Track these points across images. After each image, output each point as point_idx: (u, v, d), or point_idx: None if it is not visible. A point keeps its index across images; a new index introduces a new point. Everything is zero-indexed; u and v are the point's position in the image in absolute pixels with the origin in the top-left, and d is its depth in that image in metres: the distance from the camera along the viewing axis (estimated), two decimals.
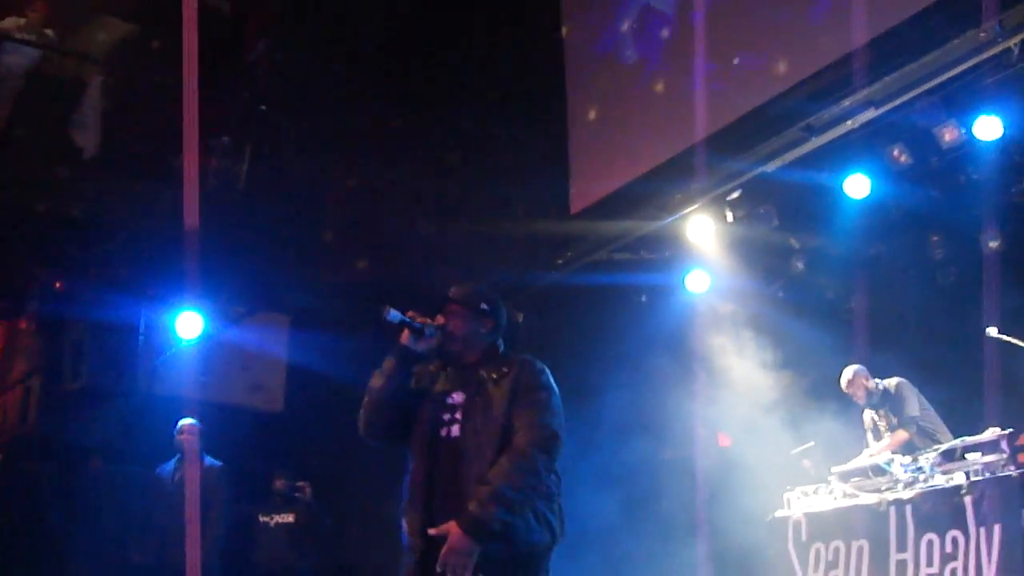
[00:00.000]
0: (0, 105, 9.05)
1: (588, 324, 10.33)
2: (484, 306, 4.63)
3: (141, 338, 10.08)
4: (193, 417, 8.26)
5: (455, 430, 4.43)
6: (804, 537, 7.76)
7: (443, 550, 4.18)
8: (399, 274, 10.10)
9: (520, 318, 10.57)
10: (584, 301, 10.25)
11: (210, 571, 8.14)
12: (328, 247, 10.10)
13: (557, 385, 4.49)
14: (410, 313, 4.49)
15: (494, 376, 4.46)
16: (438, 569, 4.17)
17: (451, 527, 4.19)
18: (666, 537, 9.21)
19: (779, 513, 8.02)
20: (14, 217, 9.59)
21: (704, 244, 9.37)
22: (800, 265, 9.60)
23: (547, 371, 4.51)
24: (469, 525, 4.16)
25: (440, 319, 4.56)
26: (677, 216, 9.12)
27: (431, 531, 4.26)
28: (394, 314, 4.41)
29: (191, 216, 6.06)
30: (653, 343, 9.43)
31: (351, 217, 9.95)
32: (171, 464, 8.47)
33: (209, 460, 8.34)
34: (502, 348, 4.64)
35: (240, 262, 9.48)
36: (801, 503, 7.91)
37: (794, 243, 9.54)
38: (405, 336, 4.49)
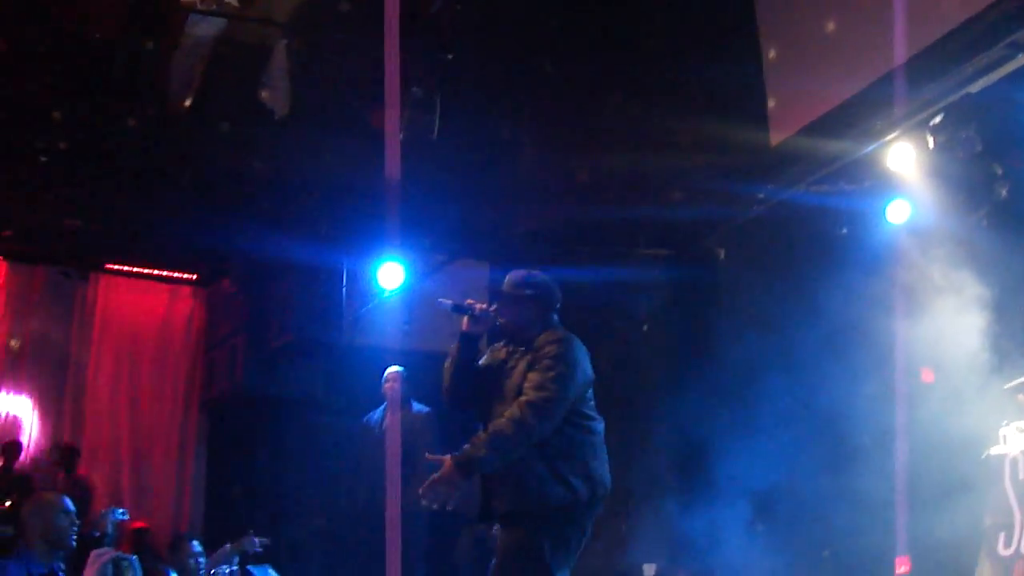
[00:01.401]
0: (192, 74, 9.30)
1: (787, 257, 10.20)
2: (528, 291, 5.24)
3: (344, 291, 10.31)
4: (398, 366, 8.42)
5: (495, 398, 5.09)
6: (1022, 475, 7.48)
7: (432, 478, 4.81)
8: (595, 214, 10.13)
9: (722, 254, 10.51)
10: (784, 234, 10.12)
11: (417, 516, 8.33)
12: (524, 191, 10.15)
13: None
14: (468, 301, 5.22)
15: (522, 349, 5.11)
16: (419, 492, 4.82)
17: (445, 459, 4.84)
18: (869, 473, 9.04)
19: (994, 450, 7.75)
20: (211, 180, 9.90)
21: (905, 172, 9.09)
22: (1004, 192, 9.23)
23: (568, 342, 5.05)
24: (459, 458, 4.79)
25: (489, 305, 5.23)
26: (878, 144, 8.83)
27: (427, 456, 5.04)
28: (444, 303, 5.21)
29: (392, 167, 6.14)
30: (854, 275, 9.21)
31: (545, 160, 9.97)
32: (378, 412, 8.65)
33: (417, 406, 8.48)
34: (553, 322, 5.22)
35: (438, 211, 9.63)
36: (1018, 439, 7.62)
37: (997, 169, 9.17)
38: (465, 322, 5.21)
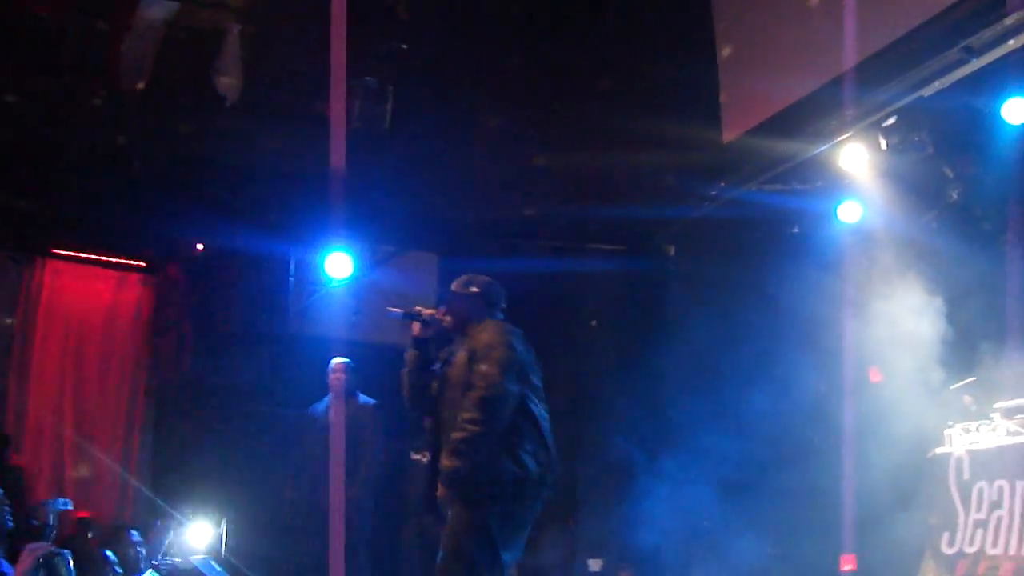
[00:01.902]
0: (144, 57, 9.19)
1: (739, 255, 10.25)
2: (473, 289, 5.49)
3: (291, 280, 10.25)
4: (344, 357, 8.36)
5: (439, 393, 5.36)
6: (966, 475, 7.55)
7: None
8: (546, 209, 10.14)
9: (672, 251, 10.54)
10: (736, 232, 10.16)
11: (363, 508, 8.29)
12: (475, 183, 10.14)
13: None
14: (417, 308, 5.46)
15: (464, 343, 5.30)
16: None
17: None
18: (817, 472, 9.09)
19: (939, 450, 7.81)
20: (160, 165, 9.79)
21: (857, 173, 9.15)
22: (955, 195, 9.31)
23: (501, 327, 5.28)
24: (444, 479, 5.06)
25: (437, 310, 5.49)
26: (830, 144, 8.91)
27: (438, 494, 5.16)
28: (393, 312, 5.44)
29: (338, 157, 6.11)
30: (805, 274, 9.27)
31: (497, 153, 9.97)
32: (324, 403, 8.59)
33: (364, 398, 8.43)
34: (496, 318, 5.44)
35: (388, 202, 9.61)
36: (963, 440, 7.69)
37: (949, 172, 9.24)
38: (416, 328, 5.44)
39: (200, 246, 10.47)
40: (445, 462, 5.04)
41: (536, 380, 5.30)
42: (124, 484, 11.39)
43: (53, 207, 10.58)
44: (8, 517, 6.10)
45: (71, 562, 5.92)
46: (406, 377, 5.49)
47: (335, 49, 6.12)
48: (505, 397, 5.04)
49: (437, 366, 5.45)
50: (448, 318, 5.45)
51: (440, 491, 5.10)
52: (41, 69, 8.89)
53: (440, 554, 5.11)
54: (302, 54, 8.88)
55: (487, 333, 5.23)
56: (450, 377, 5.28)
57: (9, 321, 11.21)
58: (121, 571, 7.09)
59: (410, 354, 5.47)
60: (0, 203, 10.37)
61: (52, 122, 9.31)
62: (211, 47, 9.29)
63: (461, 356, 5.26)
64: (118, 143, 9.55)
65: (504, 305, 5.58)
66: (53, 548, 5.93)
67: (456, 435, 5.03)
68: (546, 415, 5.26)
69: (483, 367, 5.09)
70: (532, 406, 5.19)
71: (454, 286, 5.54)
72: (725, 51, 9.32)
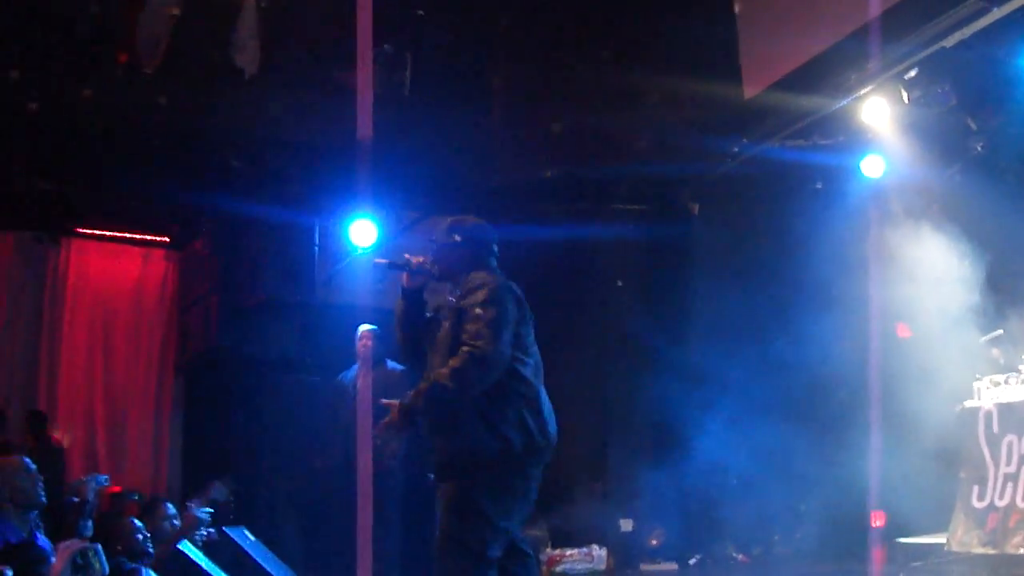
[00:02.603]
0: (161, 33, 9.19)
1: (763, 211, 10.21)
2: (457, 237, 5.18)
3: (316, 249, 10.25)
4: (371, 324, 8.37)
5: (430, 348, 5.09)
6: (995, 429, 7.53)
7: (381, 423, 4.92)
8: (568, 170, 10.09)
9: (696, 209, 10.50)
10: (758, 189, 10.12)
11: (393, 473, 8.33)
12: (497, 147, 10.10)
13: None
14: (406, 256, 5.16)
15: (456, 295, 5.02)
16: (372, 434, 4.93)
17: (394, 404, 4.88)
18: (846, 428, 9.09)
19: (968, 404, 7.79)
20: (181, 140, 9.81)
21: (880, 127, 9.09)
22: (979, 147, 9.25)
23: (494, 284, 4.96)
24: (400, 407, 4.82)
25: (424, 258, 5.16)
26: (852, 98, 8.83)
27: (382, 401, 4.98)
28: (379, 264, 5.26)
29: (364, 125, 6.08)
30: (829, 229, 9.23)
31: (517, 116, 9.93)
32: (352, 370, 8.61)
33: (392, 364, 8.44)
34: (487, 265, 5.13)
35: (410, 168, 9.57)
36: (991, 393, 7.66)
37: (972, 124, 9.18)
38: (404, 278, 5.16)
39: (223, 218, 10.47)
40: (412, 397, 4.79)
41: (526, 332, 5.01)
42: (156, 458, 11.52)
43: (77, 186, 10.64)
44: (42, 492, 6.14)
45: (103, 553, 5.96)
46: (397, 330, 5.26)
47: (361, 17, 6.04)
48: (499, 361, 4.79)
49: (434, 316, 5.20)
50: (435, 267, 5.16)
51: (392, 413, 4.84)
52: (59, 48, 8.91)
53: (437, 527, 4.92)
54: (319, 24, 8.86)
55: (479, 291, 4.93)
56: (438, 338, 5.04)
57: (37, 301, 11.33)
58: (152, 545, 7.13)
59: (399, 305, 5.23)
60: (24, 184, 10.44)
61: (73, 101, 9.32)
62: (228, 20, 9.28)
63: (451, 315, 5.02)
64: (138, 120, 9.57)
65: (496, 248, 5.26)
66: (86, 544, 5.95)
67: (432, 375, 4.83)
68: (536, 370, 5.01)
69: (473, 327, 4.82)
70: (520, 367, 4.92)
71: (437, 235, 5.26)
72: (744, 6, 9.24)
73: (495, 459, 4.82)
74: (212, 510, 7.70)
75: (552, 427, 4.99)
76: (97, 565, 5.87)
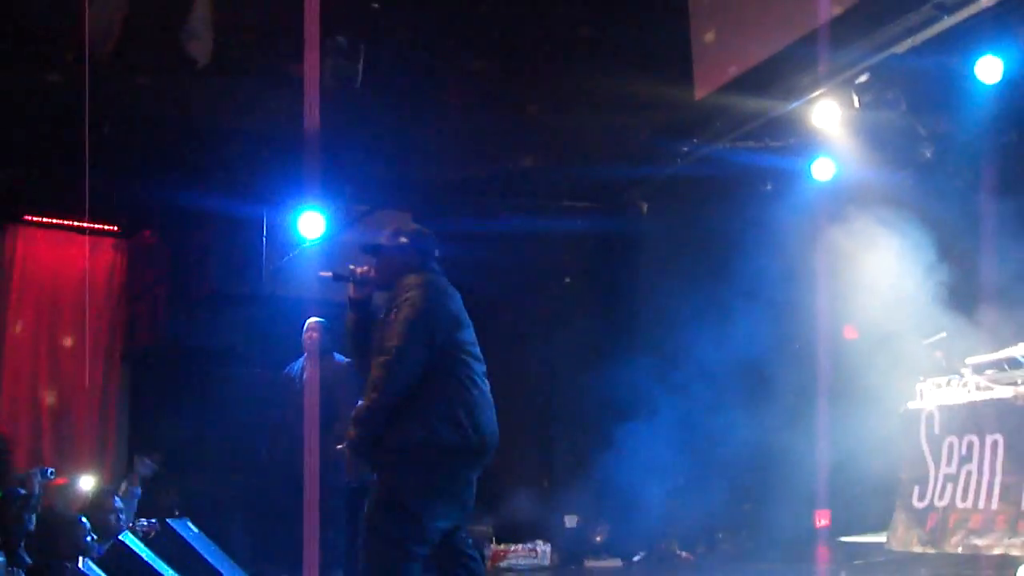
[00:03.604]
0: (112, 20, 9.10)
1: (712, 212, 10.27)
2: (392, 244, 5.15)
3: (264, 241, 10.20)
4: (319, 316, 8.34)
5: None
6: (937, 430, 7.61)
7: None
8: (519, 167, 10.10)
9: (644, 209, 10.54)
10: (708, 189, 10.18)
11: (338, 466, 8.30)
12: (448, 142, 10.09)
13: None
14: (350, 267, 5.14)
15: (391, 298, 5.00)
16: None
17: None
18: (791, 429, 9.17)
19: (911, 405, 7.87)
20: (130, 129, 9.72)
21: (830, 130, 9.17)
22: (928, 153, 9.35)
23: (422, 286, 4.92)
24: (348, 446, 4.87)
25: (366, 267, 5.15)
26: (803, 100, 8.91)
27: (338, 446, 5.05)
28: (324, 275, 5.23)
29: (312, 116, 6.05)
30: (778, 231, 9.31)
31: (469, 112, 9.92)
32: (299, 363, 8.57)
33: (339, 357, 8.42)
34: (424, 269, 5.08)
35: (360, 161, 9.55)
36: (934, 395, 7.75)
37: (922, 130, 9.28)
38: (351, 288, 5.16)
39: (171, 209, 10.40)
40: (349, 431, 4.80)
41: (464, 336, 4.98)
42: (102, 450, 11.40)
43: (25, 174, 10.50)
44: None
45: None
46: (349, 341, 5.27)
47: (309, 7, 6.02)
48: (405, 362, 4.74)
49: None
50: (372, 274, 5.15)
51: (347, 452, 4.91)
52: (8, 35, 8.79)
53: (363, 518, 4.92)
54: (272, 14, 8.80)
55: (404, 290, 4.93)
56: (375, 338, 5.00)
57: None
58: (96, 537, 7.07)
59: (349, 317, 5.21)
60: None
61: (20, 89, 9.21)
62: (181, 9, 9.20)
63: (388, 315, 4.97)
64: (87, 108, 9.47)
65: (437, 254, 5.23)
66: None
67: (359, 404, 4.82)
68: (475, 376, 4.95)
69: (390, 331, 4.81)
70: (457, 368, 4.88)
71: (382, 239, 5.22)
72: (697, 6, 9.28)
73: (419, 449, 4.76)
74: (139, 490, 7.68)
75: (488, 429, 4.93)
76: None
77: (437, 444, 4.77)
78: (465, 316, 5.04)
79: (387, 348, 4.77)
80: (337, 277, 5.18)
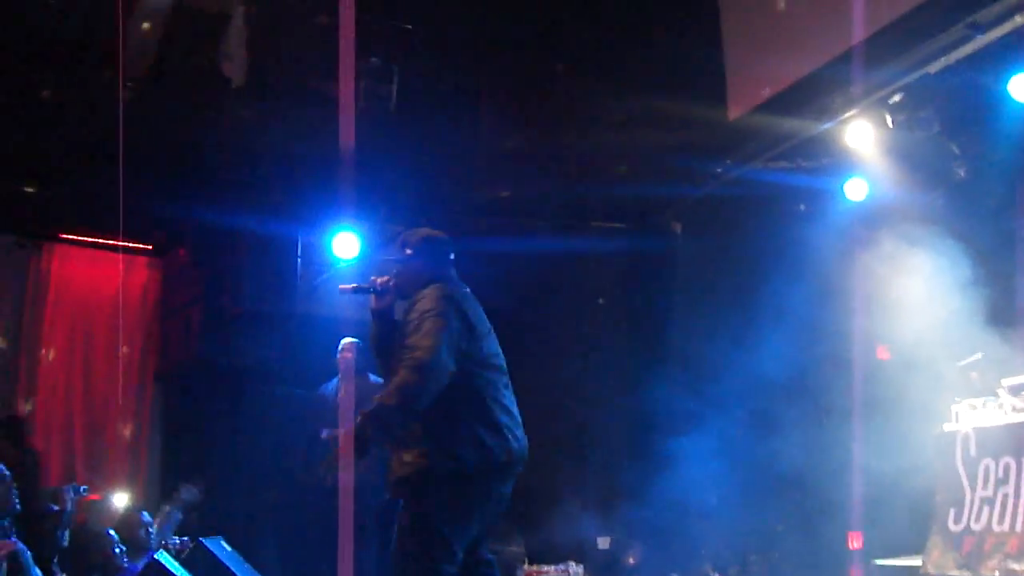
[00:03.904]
0: (148, 41, 9.19)
1: (745, 233, 10.27)
2: (408, 251, 5.23)
3: (299, 260, 10.25)
4: (353, 336, 8.38)
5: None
6: (973, 452, 7.53)
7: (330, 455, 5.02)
8: (553, 188, 10.11)
9: (678, 229, 10.54)
10: (741, 210, 10.18)
11: (372, 485, 8.33)
12: (482, 162, 10.13)
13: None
14: (372, 278, 5.21)
15: (408, 308, 5.01)
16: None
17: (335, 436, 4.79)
18: (825, 451, 9.12)
19: (947, 427, 7.81)
20: (166, 149, 9.80)
21: (863, 150, 9.15)
22: (962, 172, 9.31)
23: (442, 294, 4.92)
24: (352, 436, 4.73)
25: (386, 278, 5.20)
26: (836, 121, 8.91)
27: (324, 433, 4.65)
28: (344, 289, 5.27)
29: (347, 137, 6.09)
30: (811, 252, 9.28)
31: (503, 132, 9.97)
32: (333, 383, 8.61)
33: (373, 378, 8.45)
34: (442, 277, 5.10)
35: (394, 181, 9.59)
36: (969, 417, 7.69)
37: (955, 149, 9.24)
38: (372, 300, 5.22)
39: (206, 229, 10.47)
40: (359, 424, 4.73)
41: (483, 346, 4.96)
42: (135, 467, 11.46)
43: (59, 192, 10.60)
44: (16, 500, 6.12)
45: (31, 559, 5.93)
46: (373, 350, 5.32)
47: (344, 29, 6.07)
48: (435, 369, 4.69)
49: None
50: (392, 284, 5.20)
51: (344, 443, 4.80)
52: (45, 55, 8.89)
53: (393, 540, 4.95)
54: (307, 36, 8.88)
55: (423, 300, 4.91)
56: (393, 348, 5.05)
57: (18, 307, 11.27)
58: (125, 551, 7.12)
59: (373, 326, 5.26)
60: (6, 189, 10.40)
61: (56, 107, 9.31)
62: (216, 30, 9.28)
63: (404, 325, 4.99)
64: (124, 127, 9.55)
65: (452, 259, 5.26)
66: (17, 546, 5.91)
67: (377, 398, 4.80)
68: (499, 387, 4.96)
69: (413, 339, 4.77)
70: (478, 381, 4.88)
71: (396, 253, 5.32)
72: (729, 28, 9.29)
73: (446, 479, 4.77)
74: (181, 515, 7.71)
75: (515, 442, 4.92)
76: (26, 568, 5.85)
77: (464, 470, 4.77)
78: (485, 324, 5.03)
79: (412, 358, 4.72)
80: (357, 290, 5.24)
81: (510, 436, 4.90)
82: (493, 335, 5.08)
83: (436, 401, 4.73)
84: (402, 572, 4.85)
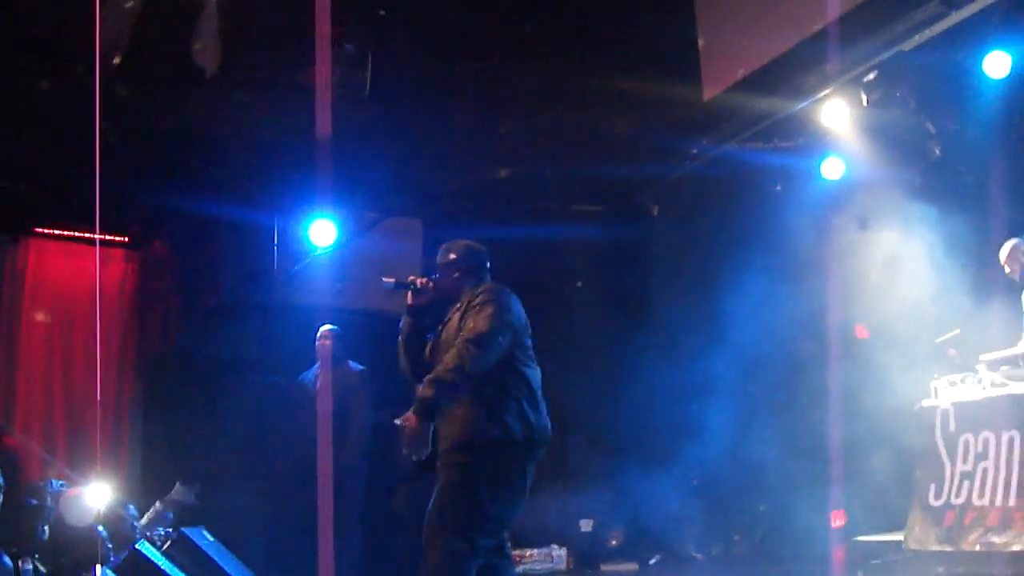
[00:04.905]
0: (120, 32, 9.12)
1: (723, 213, 10.27)
2: (452, 256, 5.52)
3: (275, 249, 10.24)
4: (332, 324, 8.37)
5: (431, 358, 5.32)
6: (952, 428, 7.58)
7: (403, 432, 5.01)
8: (529, 171, 10.09)
9: (655, 211, 10.54)
10: (718, 190, 10.19)
11: (355, 472, 8.34)
12: (457, 148, 10.12)
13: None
14: (411, 277, 5.46)
15: (459, 306, 5.30)
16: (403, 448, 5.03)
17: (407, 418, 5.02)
18: (806, 430, 9.15)
19: (926, 403, 7.85)
20: (140, 139, 9.74)
21: (839, 129, 9.17)
22: (937, 150, 9.33)
23: (498, 289, 5.29)
24: (415, 405, 4.98)
25: (428, 279, 5.46)
26: (811, 100, 8.91)
27: (396, 420, 5.07)
28: (387, 282, 5.48)
29: (323, 124, 6.07)
30: (788, 231, 9.30)
31: (477, 116, 9.95)
32: (312, 371, 8.60)
33: (353, 365, 8.44)
34: (483, 282, 5.43)
35: (370, 168, 9.57)
36: (948, 393, 7.73)
37: (930, 127, 9.27)
38: (408, 296, 5.47)
39: (182, 219, 10.43)
40: (421, 391, 5.00)
41: (528, 342, 5.32)
42: (115, 460, 11.40)
43: (34, 185, 10.53)
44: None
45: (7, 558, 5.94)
46: (401, 345, 5.54)
47: (320, 16, 6.05)
48: (493, 344, 5.03)
49: (430, 336, 5.46)
50: (432, 287, 5.48)
51: (409, 419, 5.00)
52: (15, 47, 8.83)
53: (427, 514, 5.08)
54: (279, 23, 8.83)
55: (482, 294, 5.23)
56: (442, 341, 5.30)
57: None
58: (111, 546, 7.09)
59: (405, 321, 5.51)
60: None
61: (28, 99, 9.24)
62: (188, 19, 9.22)
63: (455, 317, 5.28)
64: (96, 118, 9.48)
65: (489, 265, 5.61)
66: None
67: (438, 367, 5.04)
68: (537, 377, 5.28)
69: (472, 322, 5.10)
70: (522, 367, 5.20)
71: (438, 258, 5.59)
72: (703, 7, 9.28)
73: (493, 444, 5.04)
74: (173, 515, 7.69)
75: (547, 426, 5.23)
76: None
77: (510, 439, 5.05)
78: (527, 323, 5.36)
79: (471, 331, 5.04)
80: (399, 285, 5.48)
81: (545, 419, 5.23)
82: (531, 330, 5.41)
83: (487, 374, 5.05)
84: (437, 535, 5.00)
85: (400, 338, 5.56)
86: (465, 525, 4.98)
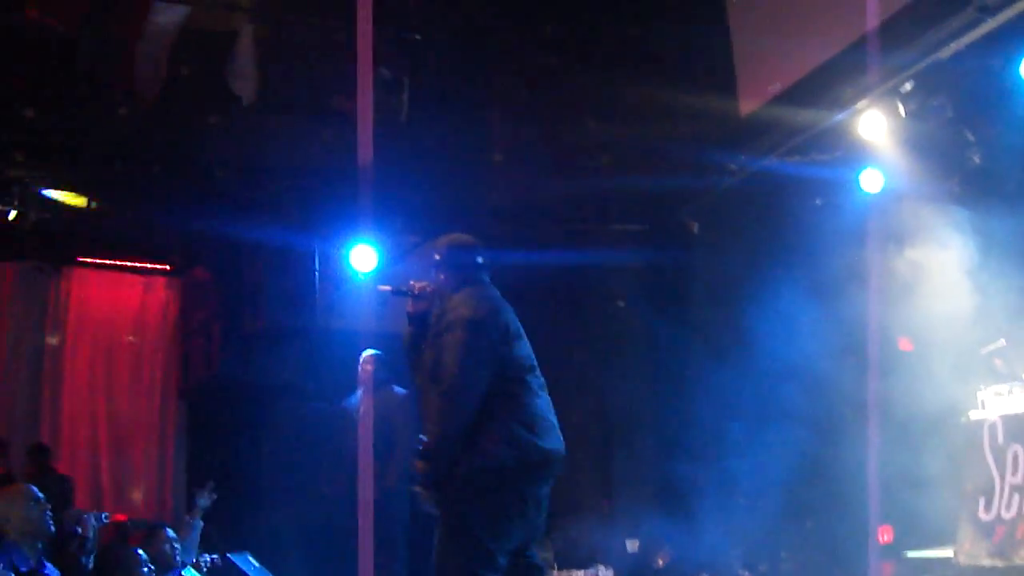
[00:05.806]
0: (157, 63, 9.23)
1: (763, 228, 10.22)
2: (437, 256, 5.29)
3: (316, 275, 10.29)
4: (375, 349, 8.39)
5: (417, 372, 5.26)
6: (1001, 439, 7.50)
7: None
8: (568, 191, 10.09)
9: (695, 228, 10.50)
10: (758, 206, 10.14)
11: (400, 497, 8.33)
12: (497, 169, 10.13)
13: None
14: (411, 283, 5.28)
15: (439, 317, 5.10)
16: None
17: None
18: (851, 445, 9.07)
19: (973, 414, 7.77)
20: (180, 168, 9.84)
21: (877, 141, 9.10)
22: (976, 159, 9.25)
23: (471, 302, 4.97)
24: (420, 482, 4.96)
25: (424, 283, 5.27)
26: (848, 112, 8.84)
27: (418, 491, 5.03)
28: (384, 290, 5.42)
29: (364, 151, 6.09)
30: (829, 245, 9.23)
31: (516, 138, 9.97)
32: (356, 396, 8.62)
33: (397, 389, 8.46)
34: (466, 284, 5.12)
35: (409, 193, 9.60)
36: (995, 404, 7.64)
37: (969, 135, 9.18)
38: (409, 303, 5.28)
39: (223, 247, 10.52)
40: (417, 464, 4.89)
41: (516, 350, 5.00)
42: (160, 486, 11.50)
43: (76, 216, 10.65)
44: (50, 522, 6.16)
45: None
46: (406, 355, 5.36)
47: (361, 42, 6.06)
48: (467, 391, 4.79)
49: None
50: (430, 290, 5.26)
51: (421, 491, 4.95)
52: (56, 79, 8.95)
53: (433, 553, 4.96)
54: (316, 50, 8.91)
55: (453, 311, 4.98)
56: (424, 356, 5.14)
57: (39, 332, 11.33)
58: (153, 568, 7.13)
59: (406, 331, 5.31)
60: (23, 214, 10.45)
61: (70, 132, 9.37)
62: (224, 48, 9.32)
63: (433, 333, 5.10)
64: (137, 149, 9.60)
65: (481, 263, 5.27)
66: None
67: (424, 439, 4.88)
68: (534, 394, 4.99)
69: (444, 356, 4.85)
70: (514, 387, 4.92)
71: (428, 257, 5.42)
72: (739, 20, 9.26)
73: (477, 474, 4.80)
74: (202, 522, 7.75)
75: (550, 442, 4.94)
76: None
77: (496, 467, 4.80)
78: (516, 328, 5.05)
79: (443, 376, 4.80)
80: (396, 292, 5.33)
81: (544, 436, 4.93)
82: (524, 337, 5.11)
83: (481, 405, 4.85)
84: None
85: (403, 347, 5.38)
86: (468, 561, 4.81)
